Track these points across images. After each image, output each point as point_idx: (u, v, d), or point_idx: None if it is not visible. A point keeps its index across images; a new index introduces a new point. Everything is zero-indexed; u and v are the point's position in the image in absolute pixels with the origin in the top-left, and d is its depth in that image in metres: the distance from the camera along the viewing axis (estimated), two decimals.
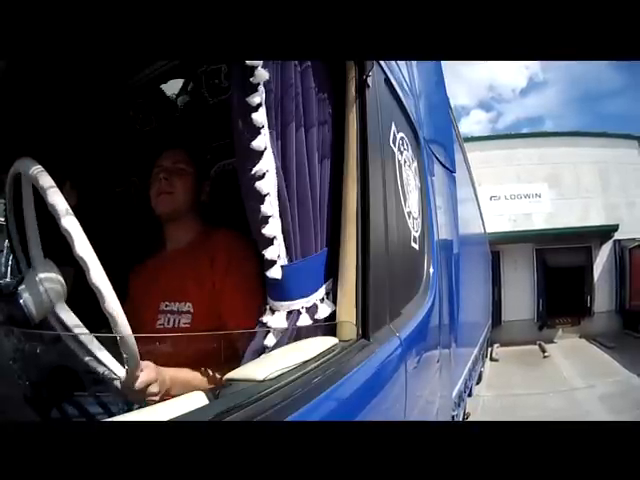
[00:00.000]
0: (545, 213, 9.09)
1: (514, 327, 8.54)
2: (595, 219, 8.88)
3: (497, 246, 7.75)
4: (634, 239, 8.44)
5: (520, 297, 8.87)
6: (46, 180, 0.64)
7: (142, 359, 0.64)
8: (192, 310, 0.93)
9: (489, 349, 6.51)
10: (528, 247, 8.93)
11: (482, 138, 9.19)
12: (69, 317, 0.71)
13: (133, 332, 0.61)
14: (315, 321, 0.72)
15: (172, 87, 1.31)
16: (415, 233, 1.11)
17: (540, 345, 7.84)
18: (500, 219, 8.52)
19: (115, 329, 0.59)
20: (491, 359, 6.62)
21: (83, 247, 0.59)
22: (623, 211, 8.93)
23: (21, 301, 0.67)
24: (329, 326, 0.73)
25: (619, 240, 8.79)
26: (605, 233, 8.75)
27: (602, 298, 8.84)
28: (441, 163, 1.82)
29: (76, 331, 0.70)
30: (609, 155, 9.15)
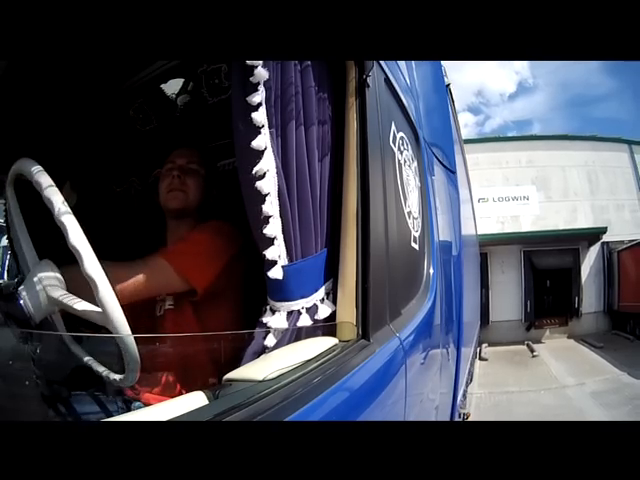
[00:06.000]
0: (533, 215, 9.21)
1: (502, 327, 8.67)
2: (583, 221, 9.05)
3: (484, 247, 7.81)
4: (622, 241, 8.55)
5: (507, 298, 8.98)
6: (45, 180, 0.64)
7: (142, 358, 0.64)
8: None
9: (477, 349, 6.59)
10: (516, 249, 9.04)
11: (471, 141, 9.18)
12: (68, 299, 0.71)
13: (135, 330, 0.62)
14: (315, 321, 0.72)
15: (172, 87, 1.32)
16: (415, 233, 1.11)
17: (528, 345, 7.96)
18: (488, 221, 8.63)
19: (113, 328, 0.59)
20: (480, 358, 6.70)
21: (79, 241, 0.59)
22: (611, 214, 9.06)
23: (21, 301, 0.67)
24: (329, 326, 0.72)
25: (607, 242, 8.91)
26: (593, 235, 8.87)
27: (590, 299, 9.00)
28: (441, 163, 1.82)
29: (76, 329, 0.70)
30: (598, 158, 9.30)
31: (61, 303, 0.68)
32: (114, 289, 0.60)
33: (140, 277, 0.85)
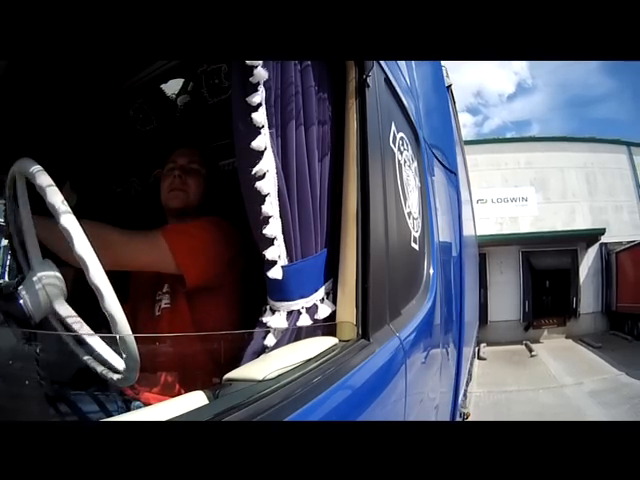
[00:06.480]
0: (531, 216, 9.28)
1: (500, 327, 8.76)
2: (581, 223, 9.15)
3: (483, 248, 7.89)
4: (620, 242, 8.61)
5: (506, 298, 9.07)
6: (45, 180, 0.64)
7: (142, 357, 0.64)
8: (169, 289, 0.97)
9: (476, 348, 6.65)
10: (514, 249, 9.12)
11: (470, 142, 9.20)
12: (69, 314, 0.71)
13: (135, 330, 0.62)
14: (315, 321, 0.72)
15: (172, 87, 1.32)
16: (415, 233, 1.11)
17: (527, 345, 8.05)
18: (486, 222, 8.70)
19: (114, 328, 0.59)
20: (479, 358, 6.76)
21: (82, 246, 0.59)
22: (610, 215, 9.14)
23: (21, 301, 0.67)
24: (329, 326, 0.72)
25: (605, 243, 9.00)
26: (591, 236, 8.96)
27: (588, 300, 9.10)
28: (441, 163, 1.82)
29: (76, 330, 0.70)
30: (596, 160, 9.39)
31: (63, 317, 0.69)
32: (108, 251, 0.60)
33: (135, 247, 0.85)
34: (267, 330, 0.71)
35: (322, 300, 0.74)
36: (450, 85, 2.66)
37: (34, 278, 0.69)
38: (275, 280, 0.70)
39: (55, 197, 0.62)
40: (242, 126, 0.68)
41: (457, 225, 2.10)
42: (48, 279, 0.70)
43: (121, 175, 1.45)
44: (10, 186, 0.76)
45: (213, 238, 0.94)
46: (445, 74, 2.48)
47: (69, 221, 0.61)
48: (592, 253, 9.17)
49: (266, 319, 0.72)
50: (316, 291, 0.74)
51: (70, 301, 0.73)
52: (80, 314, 0.73)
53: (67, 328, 0.71)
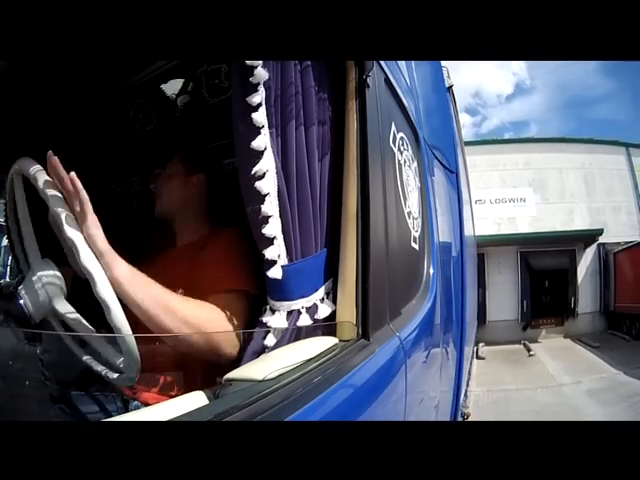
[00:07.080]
0: (530, 217, 9.30)
1: (498, 327, 8.77)
2: (579, 223, 9.17)
3: (481, 248, 7.88)
4: (619, 243, 8.65)
5: (504, 298, 9.09)
6: (45, 179, 0.64)
7: (142, 357, 0.64)
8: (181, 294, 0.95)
9: (475, 348, 6.68)
10: (512, 250, 9.14)
11: (468, 143, 9.15)
12: (69, 312, 0.71)
13: (141, 330, 0.62)
14: (315, 321, 0.72)
15: (172, 87, 1.32)
16: (415, 233, 1.11)
17: (525, 344, 8.09)
18: (485, 222, 8.69)
19: (113, 325, 0.59)
20: (477, 357, 6.77)
21: (87, 258, 0.59)
22: (608, 216, 9.17)
23: (21, 301, 0.67)
24: (329, 326, 0.72)
25: (603, 244, 9.03)
26: (589, 237, 9.00)
27: (586, 300, 9.11)
28: (442, 163, 1.82)
29: (76, 329, 0.71)
30: (595, 161, 9.43)
31: (63, 316, 0.68)
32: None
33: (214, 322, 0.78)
34: (267, 330, 0.71)
35: (322, 300, 0.74)
36: (451, 86, 2.66)
37: (34, 278, 0.69)
38: (275, 280, 0.70)
39: (54, 197, 0.62)
40: (242, 126, 0.68)
41: (457, 225, 2.10)
42: (48, 279, 0.70)
43: (121, 175, 1.45)
44: (10, 186, 0.76)
45: (245, 251, 0.89)
46: (446, 75, 2.48)
47: (67, 221, 0.61)
48: (590, 253, 9.21)
49: (266, 319, 0.72)
50: (316, 291, 0.74)
51: (70, 301, 0.73)
52: (80, 313, 0.73)
53: (67, 328, 0.71)
